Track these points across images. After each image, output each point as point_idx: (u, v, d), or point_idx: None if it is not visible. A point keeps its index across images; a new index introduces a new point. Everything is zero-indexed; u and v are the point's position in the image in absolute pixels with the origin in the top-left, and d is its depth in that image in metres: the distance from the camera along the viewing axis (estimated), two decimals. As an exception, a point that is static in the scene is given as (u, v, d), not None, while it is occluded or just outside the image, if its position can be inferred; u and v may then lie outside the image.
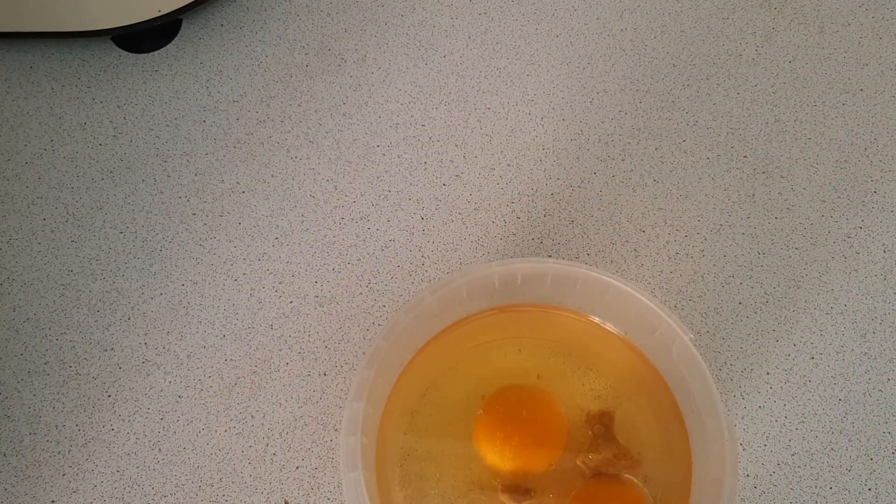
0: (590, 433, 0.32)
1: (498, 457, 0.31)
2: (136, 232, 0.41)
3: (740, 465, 0.35)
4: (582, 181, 0.42)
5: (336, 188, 0.42)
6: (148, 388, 0.37)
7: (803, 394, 0.37)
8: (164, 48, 0.46)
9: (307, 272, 0.40)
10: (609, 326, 0.34)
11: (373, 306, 0.39)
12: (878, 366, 0.37)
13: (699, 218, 0.41)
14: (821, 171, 0.42)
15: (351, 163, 0.42)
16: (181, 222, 0.41)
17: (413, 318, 0.31)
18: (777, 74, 0.44)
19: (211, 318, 0.39)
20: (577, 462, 0.31)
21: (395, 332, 0.30)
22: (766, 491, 0.35)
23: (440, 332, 0.33)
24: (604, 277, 0.31)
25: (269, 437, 0.36)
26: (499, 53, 0.45)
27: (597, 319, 0.34)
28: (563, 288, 0.33)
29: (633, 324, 0.32)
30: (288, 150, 0.43)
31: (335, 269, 0.40)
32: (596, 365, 0.34)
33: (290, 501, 0.35)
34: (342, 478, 0.28)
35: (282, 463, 0.36)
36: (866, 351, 0.38)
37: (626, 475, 0.31)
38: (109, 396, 0.37)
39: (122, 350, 0.38)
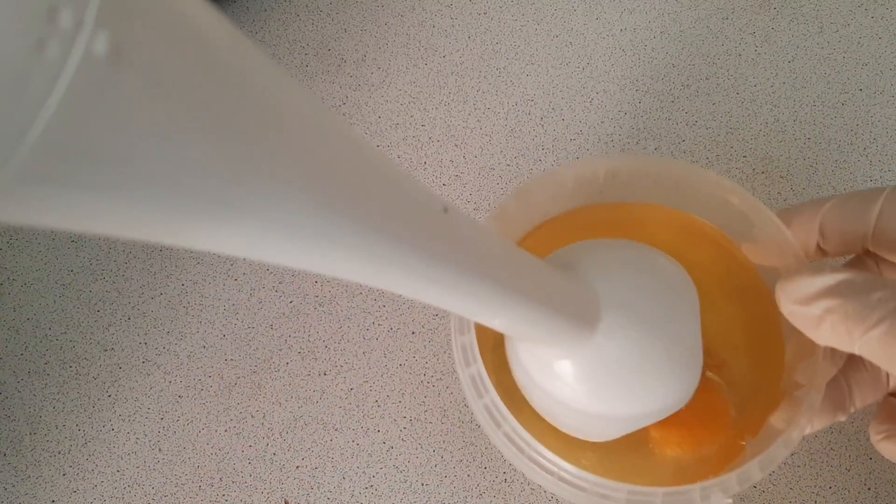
0: None
1: None
2: (136, 232, 0.41)
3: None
4: (582, 181, 0.42)
5: (336, 188, 0.42)
6: (148, 388, 0.37)
7: (803, 393, 0.37)
8: (164, 48, 0.46)
9: (307, 272, 0.40)
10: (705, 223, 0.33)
11: (372, 306, 0.39)
12: (877, 365, 0.37)
13: (699, 218, 0.41)
14: (821, 171, 0.42)
15: (351, 163, 0.42)
16: (181, 222, 0.41)
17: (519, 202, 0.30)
18: (777, 74, 0.44)
19: (211, 318, 0.39)
20: None
21: (506, 215, 0.30)
22: (766, 491, 0.35)
23: (543, 223, 0.33)
24: (700, 171, 0.31)
25: (269, 437, 0.36)
26: (499, 53, 0.45)
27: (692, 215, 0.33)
28: (658, 185, 0.32)
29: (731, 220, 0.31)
30: (288, 150, 0.43)
31: (335, 269, 0.40)
32: (685, 260, 0.31)
33: (290, 501, 0.35)
34: (459, 374, 0.27)
35: (282, 463, 0.36)
36: (866, 351, 0.38)
37: (709, 374, 0.30)
38: (109, 396, 0.37)
39: (122, 350, 0.38)
